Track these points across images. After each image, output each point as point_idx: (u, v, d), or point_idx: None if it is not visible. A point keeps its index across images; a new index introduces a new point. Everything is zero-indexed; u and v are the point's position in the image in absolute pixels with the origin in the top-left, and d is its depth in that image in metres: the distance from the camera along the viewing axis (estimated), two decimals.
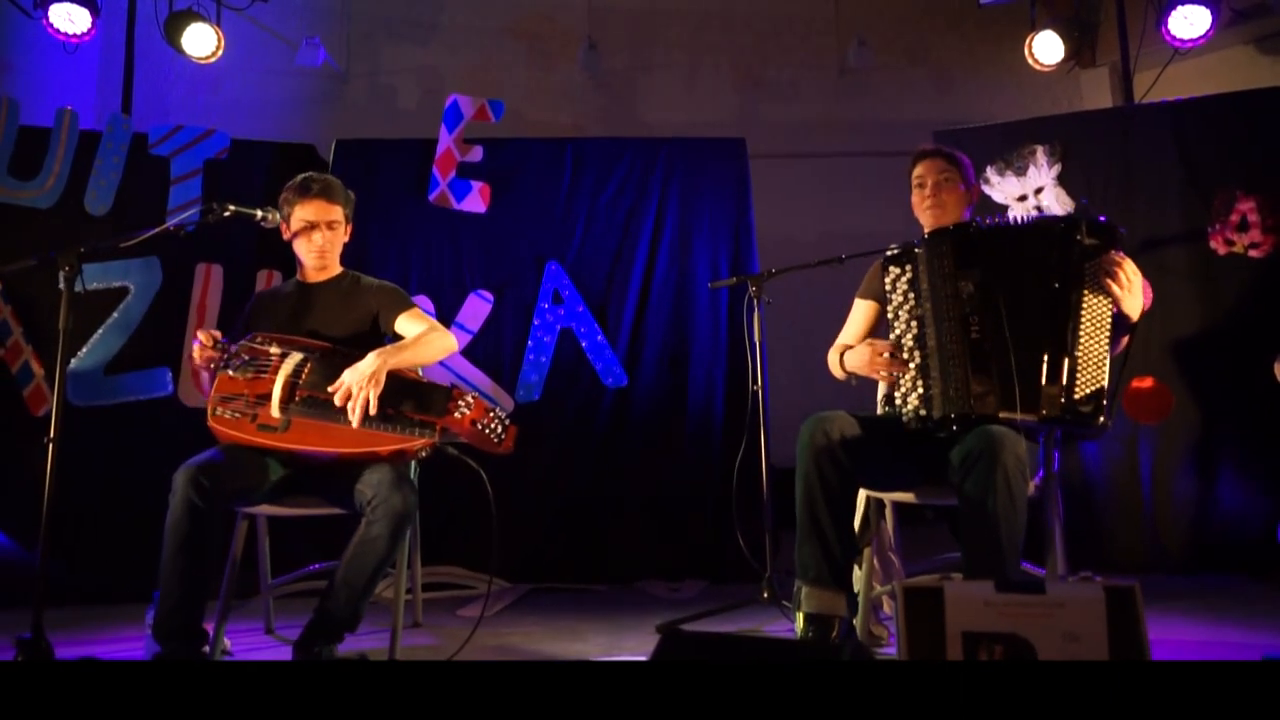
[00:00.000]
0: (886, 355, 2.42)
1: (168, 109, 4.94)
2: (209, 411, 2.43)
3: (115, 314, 3.61)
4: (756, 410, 3.07)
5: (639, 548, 3.67)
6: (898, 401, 2.41)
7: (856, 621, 2.42)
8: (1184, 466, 3.46)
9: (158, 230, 2.44)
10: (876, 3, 5.40)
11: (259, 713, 1.30)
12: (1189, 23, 4.20)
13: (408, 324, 2.63)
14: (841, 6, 5.43)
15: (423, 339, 2.55)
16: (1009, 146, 3.72)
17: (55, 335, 2.25)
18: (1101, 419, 2.24)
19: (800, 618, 2.36)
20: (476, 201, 3.83)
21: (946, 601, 1.54)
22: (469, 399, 2.35)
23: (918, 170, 2.66)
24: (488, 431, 2.34)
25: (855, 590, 2.44)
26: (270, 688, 1.35)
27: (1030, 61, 4.69)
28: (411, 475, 2.59)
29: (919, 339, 2.38)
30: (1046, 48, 4.63)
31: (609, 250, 3.86)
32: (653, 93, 5.40)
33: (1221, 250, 3.50)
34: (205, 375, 2.54)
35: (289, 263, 2.76)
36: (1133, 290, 2.27)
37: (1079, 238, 2.29)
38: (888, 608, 2.68)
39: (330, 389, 2.36)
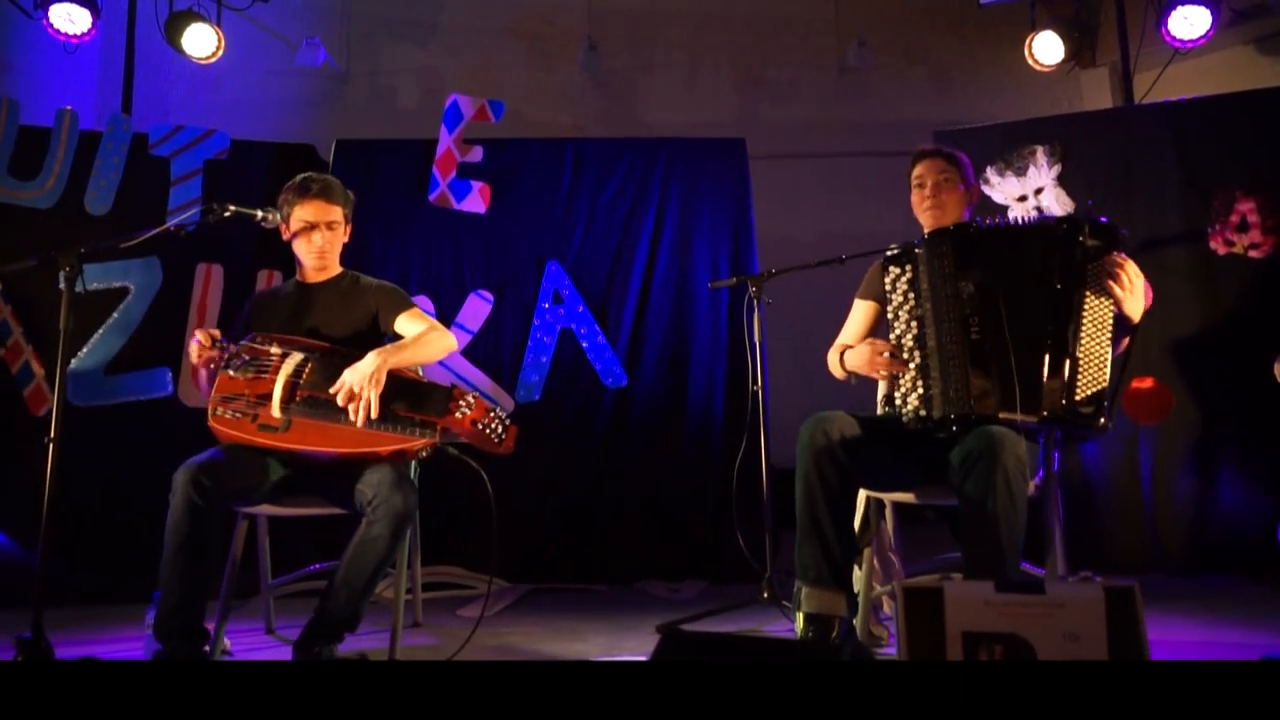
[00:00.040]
0: (887, 355, 2.42)
1: (168, 109, 4.94)
2: (209, 411, 2.43)
3: (115, 314, 3.61)
4: (756, 410, 3.07)
5: (639, 548, 3.67)
6: (897, 402, 2.41)
7: (856, 622, 2.42)
8: (1184, 467, 3.46)
9: (158, 230, 2.44)
10: (876, 3, 5.40)
11: (259, 713, 1.30)
12: (1189, 23, 4.21)
13: (407, 324, 2.63)
14: (841, 7, 5.43)
15: (422, 338, 2.55)
16: (1009, 147, 3.72)
17: (55, 335, 2.25)
18: (1102, 420, 2.24)
19: (800, 618, 2.36)
20: (477, 202, 3.83)
21: (946, 602, 1.54)
22: (470, 399, 2.35)
23: (917, 170, 2.66)
24: (488, 431, 2.34)
25: (855, 590, 2.44)
26: (270, 688, 1.35)
27: (1030, 62, 4.69)
28: (412, 475, 2.59)
29: (919, 339, 2.38)
30: (1046, 48, 4.63)
31: (609, 250, 3.86)
32: (653, 93, 5.40)
33: (1221, 251, 3.50)
34: (204, 374, 2.54)
35: (289, 263, 2.76)
36: (1134, 292, 2.27)
37: (1081, 239, 2.28)
38: (888, 608, 2.68)
39: (331, 389, 2.36)
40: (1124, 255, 2.29)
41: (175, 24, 4.46)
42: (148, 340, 3.60)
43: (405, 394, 2.38)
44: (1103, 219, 2.33)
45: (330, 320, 2.63)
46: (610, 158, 3.92)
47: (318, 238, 2.63)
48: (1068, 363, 2.23)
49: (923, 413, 2.34)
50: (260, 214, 2.55)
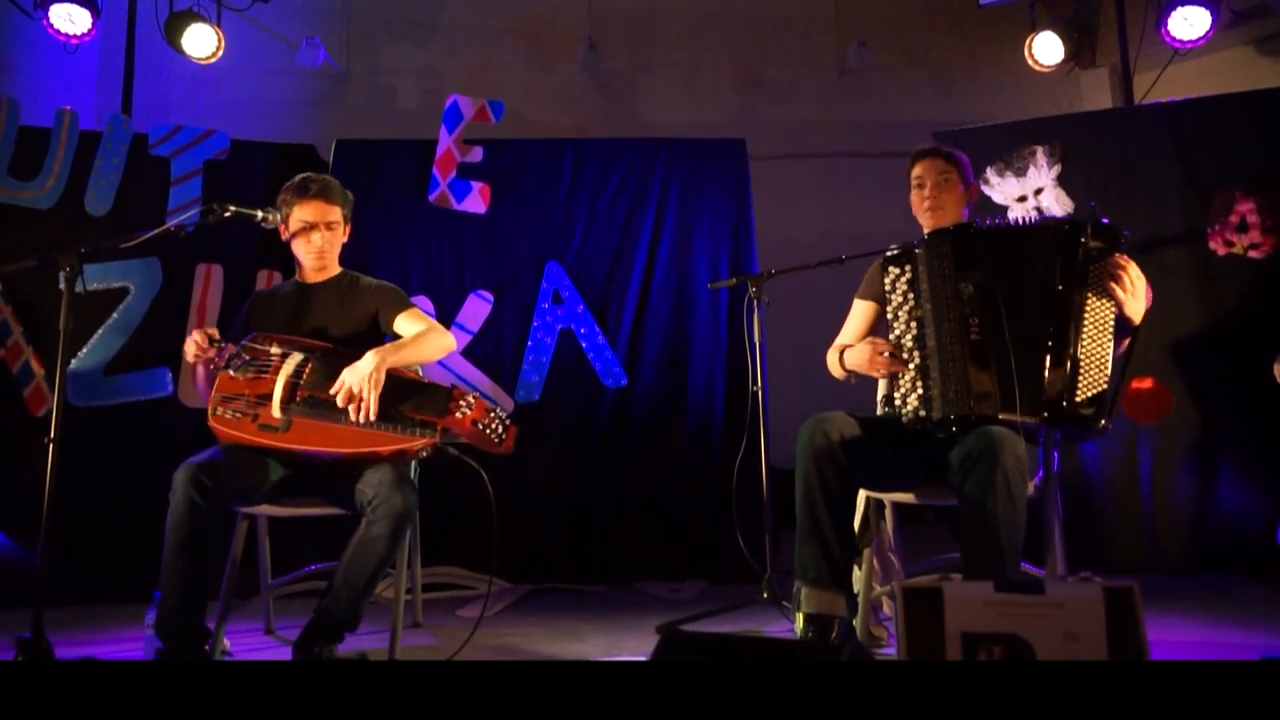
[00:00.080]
0: (887, 354, 2.42)
1: (168, 109, 4.94)
2: (210, 411, 2.43)
3: (115, 314, 3.61)
4: (756, 411, 3.07)
5: (639, 548, 3.68)
6: (897, 402, 2.41)
7: (856, 622, 2.42)
8: (1184, 467, 3.46)
9: (158, 231, 2.44)
10: (876, 3, 5.41)
11: (259, 713, 1.30)
12: (1188, 24, 4.21)
13: (406, 324, 2.63)
14: (841, 7, 5.43)
15: (421, 338, 2.55)
16: (1009, 147, 3.72)
17: (55, 335, 2.25)
18: (1102, 422, 2.24)
19: (800, 618, 2.36)
20: (477, 202, 3.83)
21: (946, 602, 1.54)
22: (470, 399, 2.35)
23: (916, 170, 2.66)
24: (488, 432, 2.34)
25: (855, 591, 2.44)
26: (270, 688, 1.35)
27: (1030, 62, 4.69)
28: (412, 475, 2.59)
29: (919, 339, 2.38)
30: (1046, 49, 4.63)
31: (609, 251, 3.86)
32: (653, 93, 5.41)
33: (1221, 251, 3.50)
34: (201, 373, 2.54)
35: (289, 263, 2.76)
36: (1136, 294, 2.26)
37: (1084, 240, 2.27)
38: (887, 608, 2.68)
39: (331, 390, 2.36)
40: (1126, 257, 2.28)
41: (175, 24, 4.46)
42: (148, 340, 3.60)
43: (405, 394, 2.38)
44: (1105, 220, 2.32)
45: (330, 320, 2.63)
46: (610, 158, 3.92)
47: (317, 238, 2.63)
48: (1068, 364, 2.23)
49: (922, 413, 2.34)
50: (260, 214, 2.55)
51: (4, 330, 3.53)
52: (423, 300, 3.74)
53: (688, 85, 5.42)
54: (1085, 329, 2.25)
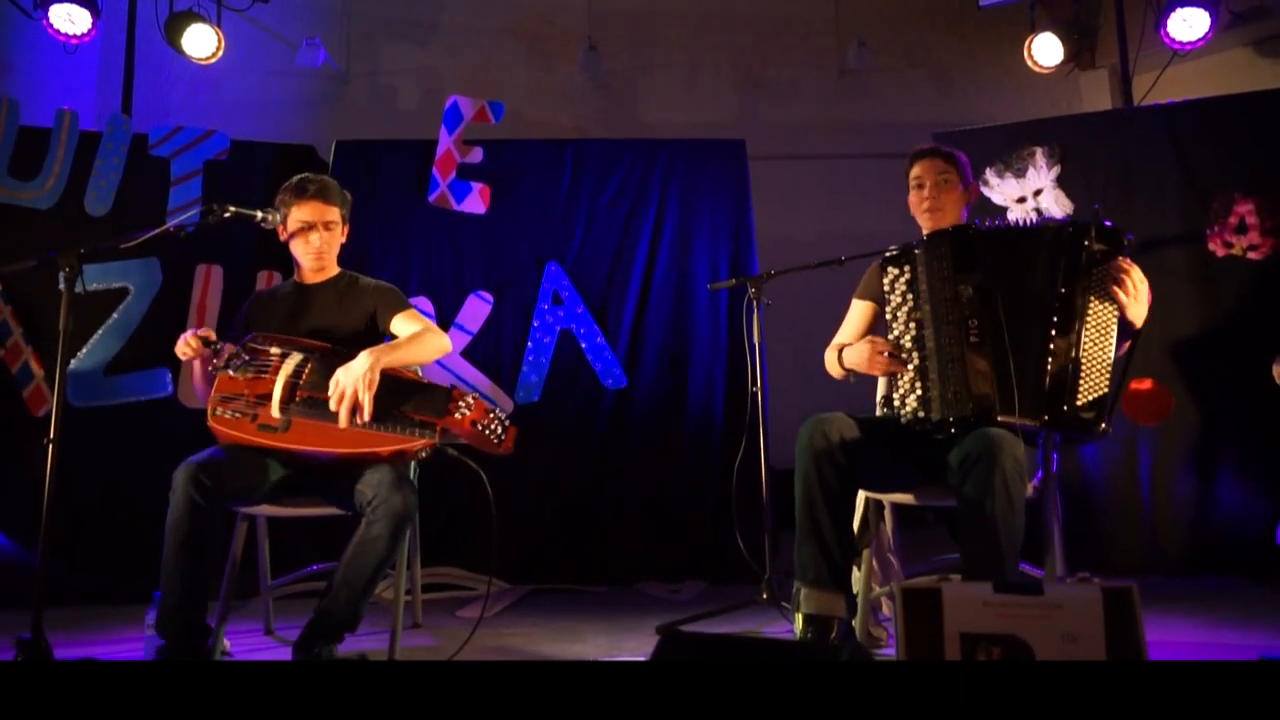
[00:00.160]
0: (886, 354, 2.42)
1: (168, 110, 4.94)
2: (209, 411, 2.43)
3: (115, 315, 3.61)
4: (756, 411, 3.07)
5: (639, 549, 3.68)
6: (896, 403, 2.41)
7: (855, 623, 2.43)
8: (1183, 468, 3.46)
9: (158, 231, 2.43)
10: (876, 4, 5.41)
11: (259, 713, 1.30)
12: (1188, 25, 4.21)
13: (403, 324, 2.63)
14: (841, 7, 5.43)
15: (416, 339, 2.55)
16: (1008, 148, 3.72)
17: (55, 336, 2.25)
18: (1103, 425, 2.23)
19: (799, 619, 2.36)
20: (476, 202, 3.83)
21: (945, 603, 1.55)
22: (469, 400, 2.35)
23: (916, 170, 2.65)
24: (487, 432, 2.34)
25: (854, 591, 2.44)
26: (270, 688, 1.35)
27: (1030, 63, 4.70)
28: (411, 476, 2.59)
29: (918, 340, 2.38)
30: (1046, 50, 4.64)
31: (609, 251, 3.86)
32: (653, 94, 5.41)
33: (1220, 252, 3.50)
34: (197, 372, 2.54)
35: (289, 264, 2.77)
36: (1139, 298, 2.25)
37: (1087, 243, 2.26)
38: (886, 609, 2.68)
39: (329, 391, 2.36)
40: (1129, 260, 2.27)
41: (175, 24, 4.46)
42: (147, 341, 3.60)
43: (405, 395, 2.39)
44: (1108, 223, 2.32)
45: (328, 321, 2.63)
46: (610, 158, 3.92)
47: (315, 238, 2.63)
48: (1069, 367, 2.22)
49: (921, 414, 2.33)
50: (260, 215, 2.55)
51: (4, 330, 3.53)
52: (422, 301, 3.74)
53: (688, 86, 5.42)
54: (1087, 332, 2.24)
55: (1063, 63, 4.70)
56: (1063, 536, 2.44)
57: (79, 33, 4.22)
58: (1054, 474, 2.44)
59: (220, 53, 4.54)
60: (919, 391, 2.35)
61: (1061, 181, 3.67)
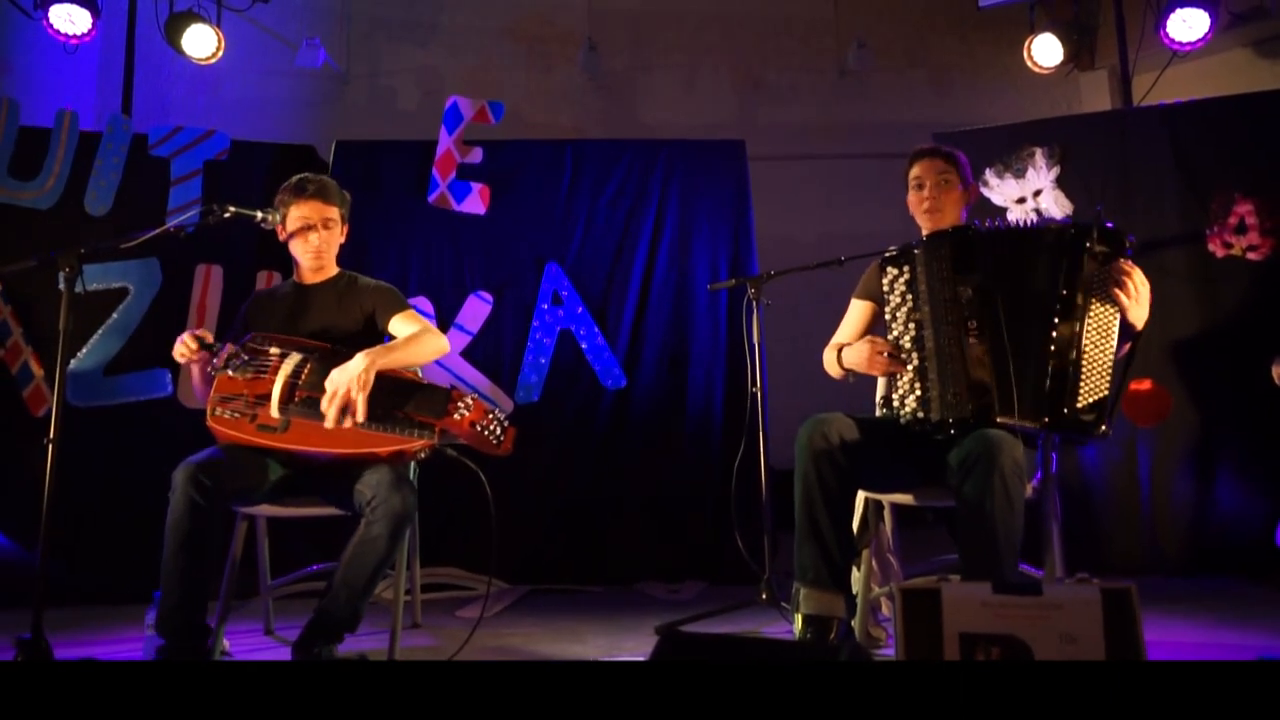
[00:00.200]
0: (885, 354, 2.42)
1: (168, 110, 4.95)
2: (208, 411, 2.43)
3: (115, 315, 3.61)
4: (755, 412, 3.07)
5: (638, 549, 3.68)
6: (895, 403, 2.41)
7: (855, 623, 2.43)
8: (1182, 469, 3.47)
9: (158, 231, 2.44)
10: (876, 5, 5.41)
11: (259, 713, 1.30)
12: (1187, 26, 4.22)
13: (401, 325, 2.63)
14: (841, 9, 5.44)
15: (413, 341, 2.54)
16: (1008, 149, 3.72)
17: (55, 336, 2.25)
18: (1103, 428, 2.23)
19: (799, 619, 2.36)
20: (476, 203, 3.83)
21: (944, 603, 1.55)
22: (468, 400, 2.35)
23: (915, 170, 2.65)
24: (486, 433, 2.34)
25: (854, 592, 2.44)
26: (270, 688, 1.35)
27: (1029, 64, 4.70)
28: (411, 476, 2.59)
29: (917, 341, 2.38)
30: (1046, 50, 4.64)
31: (608, 251, 3.86)
32: (652, 94, 5.41)
33: (1220, 253, 3.50)
34: (195, 374, 2.54)
35: (289, 264, 2.77)
36: (1140, 300, 2.25)
37: (1089, 245, 2.25)
38: (886, 609, 2.68)
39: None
40: (1131, 263, 2.26)
41: (175, 24, 4.46)
42: (147, 341, 3.60)
43: (404, 395, 2.39)
44: (1109, 224, 2.31)
45: (327, 321, 2.63)
46: (610, 159, 3.92)
47: (314, 237, 2.63)
48: (1070, 369, 2.22)
49: (920, 414, 2.33)
50: (260, 215, 2.55)
51: (4, 330, 3.53)
52: (422, 301, 3.75)
53: (687, 86, 5.43)
54: (1088, 335, 2.24)
55: (1062, 63, 4.70)
56: (1062, 537, 2.45)
57: (79, 33, 4.23)
58: (1053, 474, 2.44)
59: (220, 53, 4.54)
60: (918, 392, 2.35)
61: (1061, 182, 3.67)
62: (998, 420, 2.25)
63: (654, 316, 3.82)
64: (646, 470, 3.73)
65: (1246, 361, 3.23)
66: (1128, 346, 2.33)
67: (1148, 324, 2.31)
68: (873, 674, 1.38)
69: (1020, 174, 3.71)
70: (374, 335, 2.65)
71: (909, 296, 2.41)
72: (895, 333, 2.43)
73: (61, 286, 2.27)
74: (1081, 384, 2.22)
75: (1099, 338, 2.25)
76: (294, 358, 2.45)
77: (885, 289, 2.48)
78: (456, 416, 2.32)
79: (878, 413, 2.59)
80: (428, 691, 1.33)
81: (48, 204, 3.65)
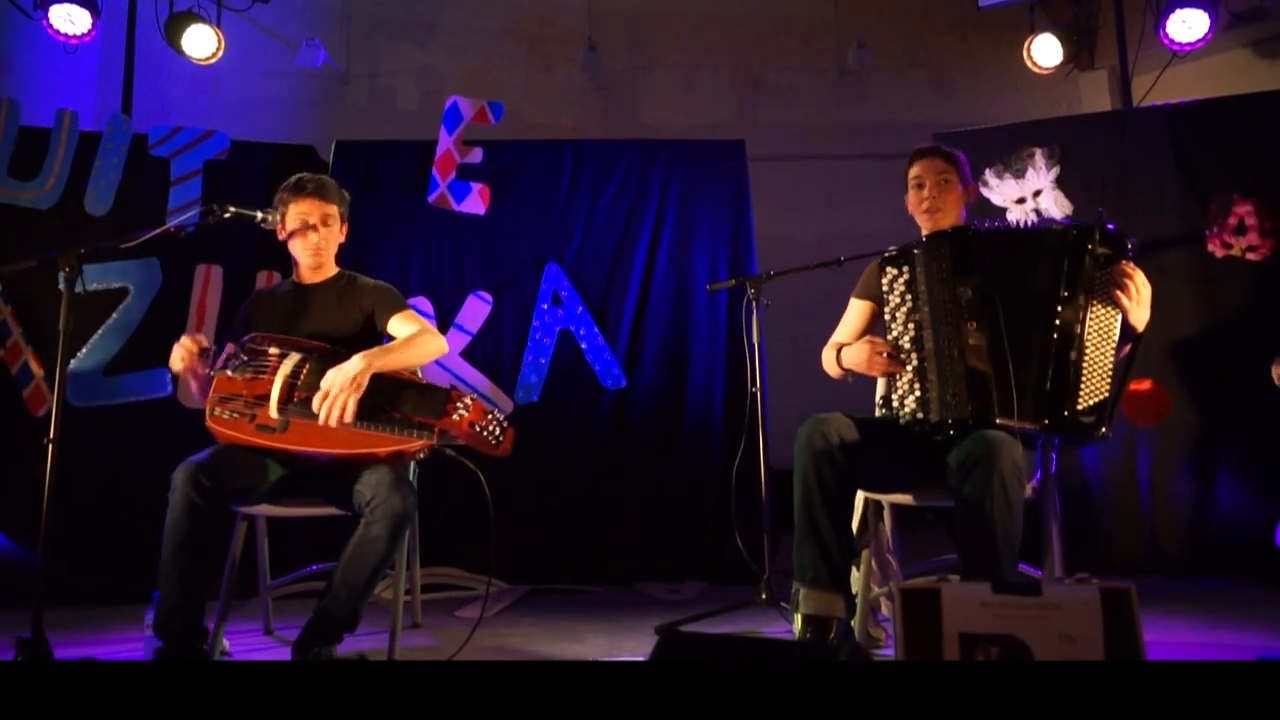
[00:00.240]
0: (885, 354, 2.42)
1: (168, 110, 4.95)
2: (207, 412, 2.43)
3: (115, 315, 3.61)
4: (755, 412, 3.08)
5: (638, 549, 3.68)
6: (895, 403, 2.41)
7: (854, 623, 2.43)
8: (1182, 469, 3.47)
9: (158, 231, 2.44)
10: (876, 5, 5.41)
11: (258, 713, 1.30)
12: (1187, 26, 4.22)
13: (399, 325, 2.63)
14: (841, 9, 5.44)
15: (411, 341, 2.54)
16: (1008, 149, 3.72)
17: (55, 336, 2.25)
18: (1103, 430, 2.23)
19: (798, 619, 2.36)
20: (476, 203, 3.83)
21: (943, 603, 1.55)
22: (467, 401, 2.35)
23: (915, 170, 2.65)
24: (485, 434, 2.34)
25: (853, 592, 2.44)
26: (269, 688, 1.35)
27: (1029, 64, 4.70)
28: (410, 476, 2.59)
29: (916, 341, 2.38)
30: (1045, 50, 4.64)
31: (608, 251, 3.86)
32: (652, 94, 5.41)
33: (1219, 253, 3.50)
34: (194, 386, 2.53)
35: (289, 263, 2.77)
36: (1142, 303, 2.25)
37: (1091, 247, 2.25)
38: (885, 609, 2.68)
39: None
40: (1132, 265, 2.26)
41: (175, 25, 4.46)
42: (147, 341, 3.60)
43: (403, 395, 2.39)
44: (1110, 226, 2.31)
45: (326, 320, 2.63)
46: (610, 159, 3.92)
47: (313, 236, 2.63)
48: (1071, 372, 2.21)
49: (920, 415, 2.34)
50: (260, 215, 2.55)
51: (4, 330, 3.53)
52: (422, 301, 3.75)
53: (687, 86, 5.43)
54: (1089, 337, 2.24)
55: (1062, 64, 4.70)
56: (1061, 537, 2.45)
57: (79, 33, 4.23)
58: (1053, 475, 2.44)
59: (220, 53, 4.54)
60: (918, 393, 2.35)
61: (1061, 182, 3.67)
62: (997, 421, 2.25)
63: (654, 316, 3.82)
64: (646, 470, 3.73)
65: (1246, 362, 3.23)
66: (1128, 348, 2.33)
67: (1148, 326, 2.31)
68: (872, 674, 1.38)
69: (1020, 174, 3.71)
70: (373, 335, 2.65)
71: (908, 297, 2.41)
72: (894, 333, 2.43)
73: (61, 286, 2.27)
74: (1082, 386, 2.22)
75: (1100, 340, 2.25)
76: (293, 358, 2.45)
77: (885, 289, 2.48)
78: (455, 417, 2.32)
79: (877, 413, 2.59)
80: (427, 691, 1.33)
81: (48, 204, 3.65)
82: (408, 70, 5.34)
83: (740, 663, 1.49)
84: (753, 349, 3.13)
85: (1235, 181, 3.50)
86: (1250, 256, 3.47)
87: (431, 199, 3.82)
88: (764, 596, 2.90)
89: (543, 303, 3.79)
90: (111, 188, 3.70)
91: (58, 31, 4.21)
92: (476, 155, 3.85)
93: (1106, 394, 2.23)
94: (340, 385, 2.32)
